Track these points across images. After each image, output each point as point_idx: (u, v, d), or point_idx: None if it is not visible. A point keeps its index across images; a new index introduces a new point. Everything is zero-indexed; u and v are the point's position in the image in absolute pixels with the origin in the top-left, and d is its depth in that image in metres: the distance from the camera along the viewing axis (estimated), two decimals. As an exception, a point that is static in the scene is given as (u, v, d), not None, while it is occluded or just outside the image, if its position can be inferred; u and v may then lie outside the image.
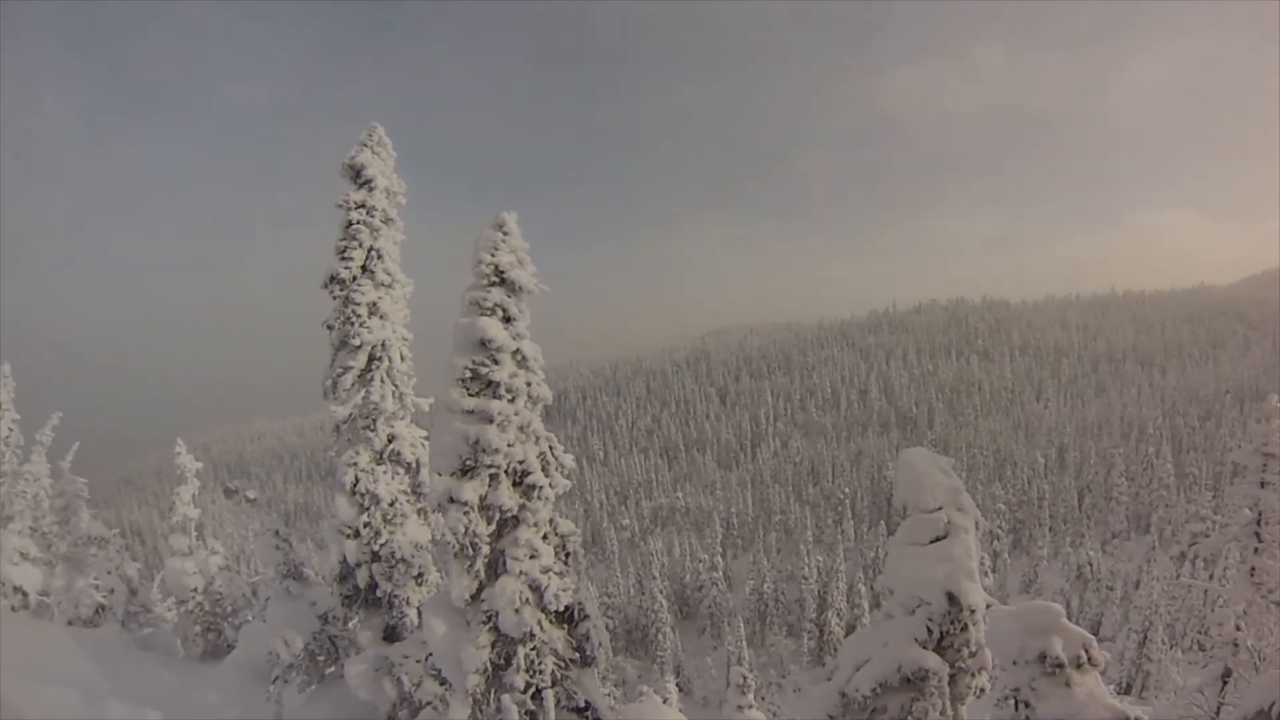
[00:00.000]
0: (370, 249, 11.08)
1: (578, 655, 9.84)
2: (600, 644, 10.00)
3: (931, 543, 10.04)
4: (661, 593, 66.44)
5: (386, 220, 11.38)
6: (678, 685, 50.01)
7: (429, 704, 11.63)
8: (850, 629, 63.32)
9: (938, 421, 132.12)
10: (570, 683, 9.86)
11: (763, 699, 47.66)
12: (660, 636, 63.93)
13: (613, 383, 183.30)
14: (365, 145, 11.80)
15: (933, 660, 9.77)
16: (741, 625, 59.58)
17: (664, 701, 18.22)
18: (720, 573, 77.95)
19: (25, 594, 16.03)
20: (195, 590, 16.47)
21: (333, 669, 13.21)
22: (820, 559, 73.07)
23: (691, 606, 79.93)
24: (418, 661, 11.60)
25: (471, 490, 8.21)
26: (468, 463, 8.28)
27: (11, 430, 17.22)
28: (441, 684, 11.86)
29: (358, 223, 11.04)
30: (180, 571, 16.36)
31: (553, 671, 9.66)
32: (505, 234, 8.97)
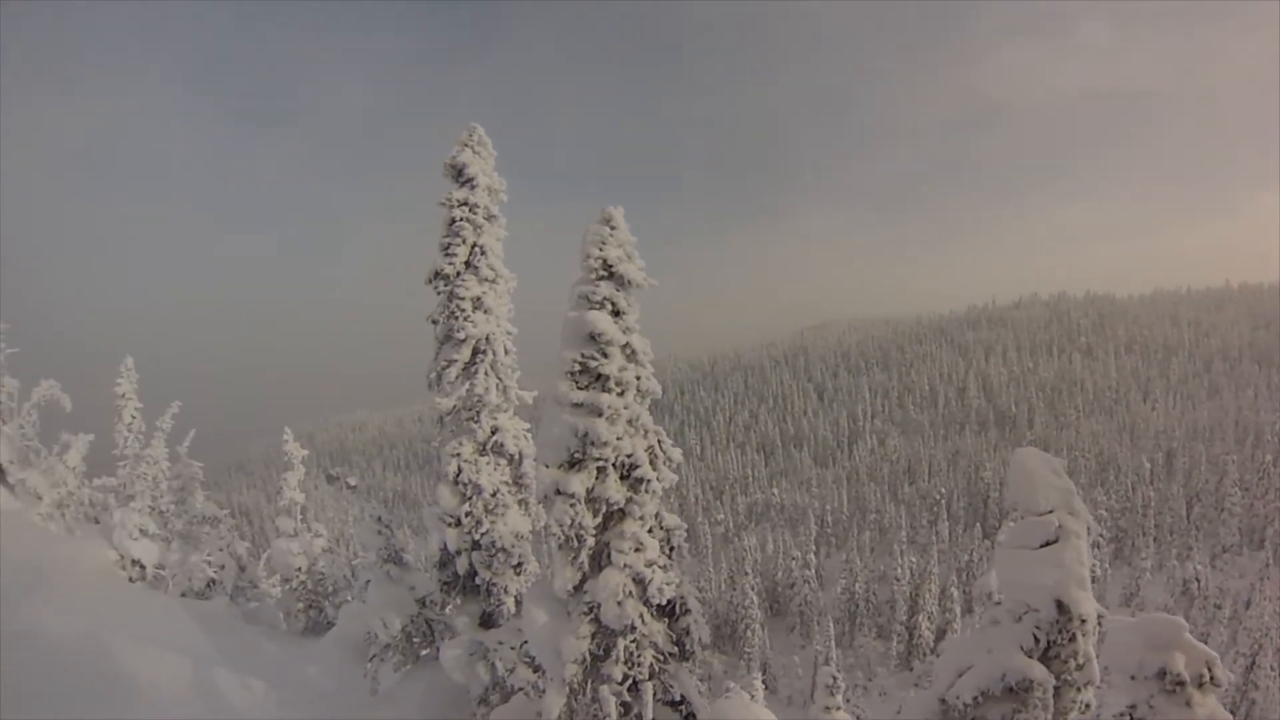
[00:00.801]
0: (474, 245, 11.38)
1: (676, 649, 9.88)
2: (699, 639, 10.03)
3: (1041, 547, 9.72)
4: (753, 589, 66.28)
5: (489, 217, 11.65)
6: (764, 683, 49.80)
7: (520, 690, 11.88)
8: (941, 634, 61.92)
9: (1038, 421, 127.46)
10: (667, 676, 9.92)
11: (848, 701, 47.14)
12: (749, 633, 63.74)
13: (711, 377, 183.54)
14: (466, 145, 12.09)
15: (1038, 671, 9.47)
16: (831, 625, 59.03)
17: (751, 699, 18.14)
18: (812, 571, 77.42)
19: (143, 566, 17.18)
20: (299, 570, 17.30)
21: (427, 651, 13.64)
22: (913, 560, 71.27)
23: (782, 604, 79.43)
24: (512, 648, 11.86)
25: (579, 483, 8.34)
26: (576, 455, 8.40)
27: (134, 417, 18.66)
28: (535, 671, 12.11)
29: (461, 220, 11.34)
30: (286, 552, 17.19)
31: (651, 664, 9.72)
32: (613, 228, 9.05)
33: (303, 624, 17.65)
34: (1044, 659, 9.65)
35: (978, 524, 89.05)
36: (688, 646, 9.88)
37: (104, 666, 12.14)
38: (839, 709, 16.48)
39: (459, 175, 11.69)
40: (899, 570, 67.95)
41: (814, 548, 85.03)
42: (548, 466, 8.43)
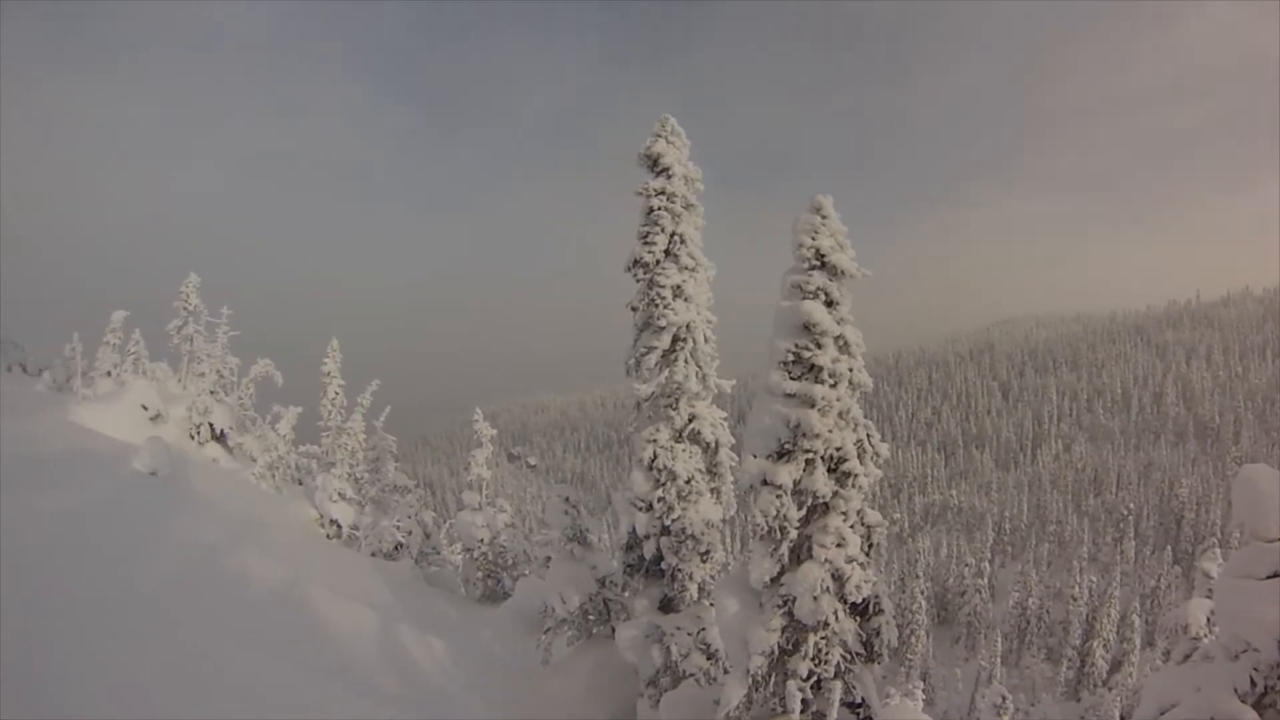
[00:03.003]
0: (672, 234, 11.51)
1: (864, 650, 9.60)
2: (888, 641, 9.72)
3: (1268, 578, 8.66)
4: (922, 593, 63.99)
5: (687, 205, 11.75)
6: (923, 693, 47.70)
7: (691, 676, 11.96)
8: (1116, 665, 57.15)
9: (1245, 435, 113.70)
10: (851, 677, 9.67)
11: (1008, 724, 44.39)
12: (913, 639, 61.60)
13: (895, 372, 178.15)
14: (659, 135, 12.20)
15: (1250, 717, 8.44)
16: (999, 640, 56.07)
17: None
18: (985, 580, 73.67)
19: (340, 526, 18.89)
20: (481, 541, 18.32)
21: (600, 629, 14.01)
22: (1093, 579, 66.36)
23: (950, 612, 76.07)
24: (689, 634, 11.95)
25: (786, 474, 8.25)
26: (786, 446, 8.32)
27: (338, 393, 20.71)
28: (709, 659, 12.17)
29: (659, 208, 11.48)
30: (470, 524, 18.25)
31: (838, 663, 9.49)
32: (824, 217, 8.87)
33: (480, 592, 18.63)
34: (1259, 705, 8.59)
35: (1168, 547, 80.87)
36: (876, 648, 9.57)
37: (303, 611, 13.06)
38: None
39: (654, 165, 11.84)
40: (1076, 589, 63.22)
41: (989, 556, 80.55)
42: (756, 456, 8.39)
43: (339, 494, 18.98)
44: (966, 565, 74.04)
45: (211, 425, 21.85)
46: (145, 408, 20.54)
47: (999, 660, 53.51)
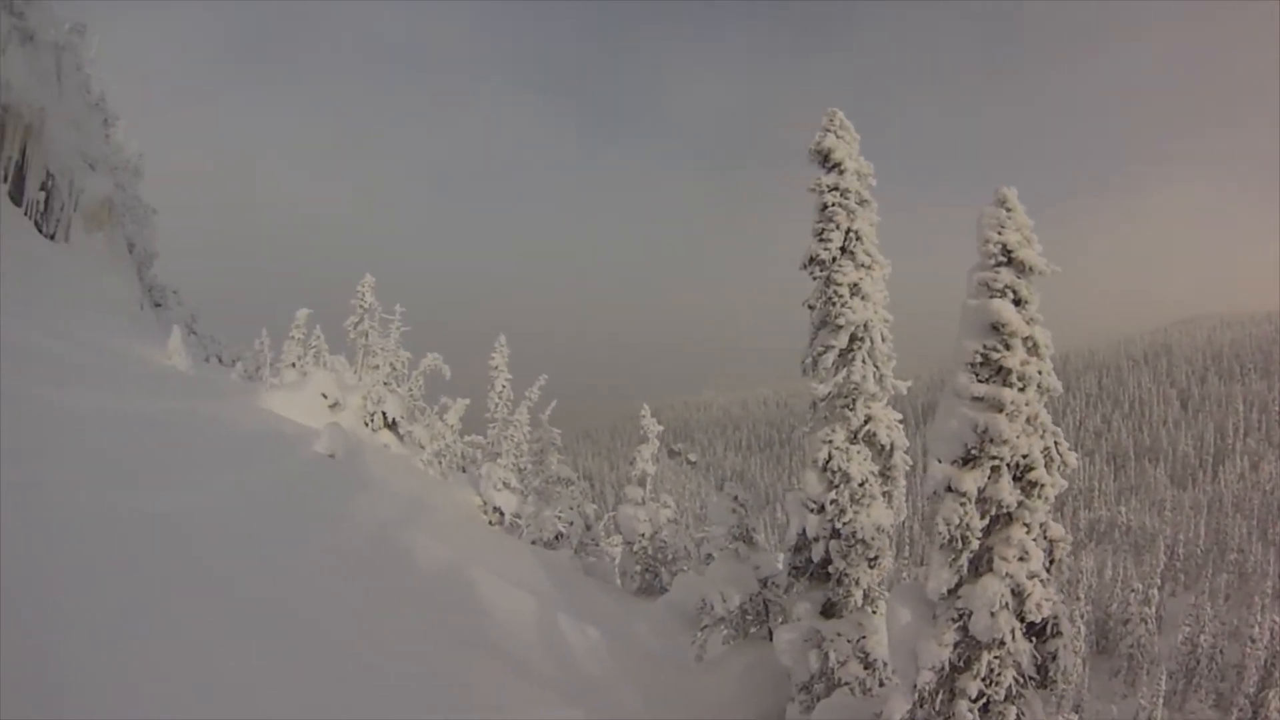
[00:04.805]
0: (848, 230, 11.30)
1: (1038, 674, 9.03)
2: (1064, 668, 9.09)
3: None
4: (1082, 618, 59.39)
5: (861, 201, 11.51)
6: None
7: (846, 684, 11.65)
8: None
9: None
10: (1023, 702, 9.12)
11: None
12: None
13: (1063, 375, 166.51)
14: (828, 130, 11.93)
15: None
16: (1163, 678, 50.77)
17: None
18: (1152, 610, 67.05)
19: (502, 513, 19.93)
20: (643, 535, 18.71)
21: (757, 630, 13.95)
22: (1277, 620, 58.84)
23: (1110, 641, 69.96)
24: (849, 641, 11.67)
25: (971, 481, 7.91)
26: (972, 451, 7.99)
27: (505, 387, 21.84)
28: (866, 668, 11.84)
29: (832, 205, 11.29)
30: (632, 517, 18.71)
31: (1010, 686, 8.99)
32: (1009, 210, 8.45)
33: (637, 585, 19.03)
34: None
35: (1370, 588, 70.77)
36: (1051, 673, 8.98)
37: (465, 591, 13.68)
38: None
39: (825, 160, 11.63)
40: (1257, 629, 56.18)
41: (1158, 583, 72.59)
42: (940, 461, 8.10)
43: (503, 483, 19.99)
44: (1133, 591, 67.35)
45: (384, 414, 23.51)
46: (325, 396, 22.38)
47: (1161, 701, 48.16)
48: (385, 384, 24.00)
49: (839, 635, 11.63)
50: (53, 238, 24.97)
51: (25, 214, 23.02)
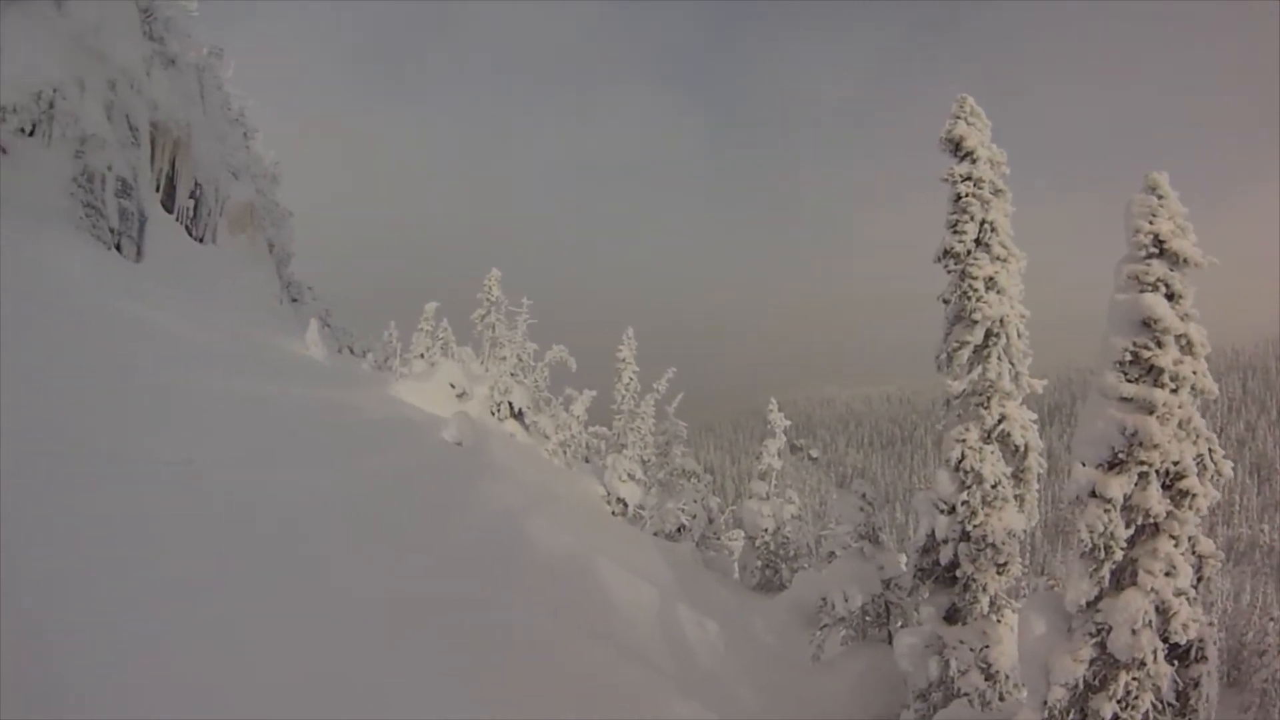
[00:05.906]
0: (983, 222, 10.85)
1: (1177, 702, 8.32)
2: (1206, 697, 8.35)
3: None
4: (1215, 644, 54.12)
5: (995, 191, 11.01)
6: None
7: (965, 695, 11.16)
8: None
9: None
10: (1159, 733, 8.44)
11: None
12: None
13: None
14: (959, 117, 11.44)
15: None
16: None
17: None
18: None
19: (626, 504, 20.33)
20: (766, 531, 18.72)
21: (875, 632, 13.65)
22: None
23: (1243, 673, 63.09)
24: (971, 649, 11.20)
25: (1117, 486, 7.44)
26: (1119, 455, 7.52)
27: (632, 379, 22.28)
28: (987, 679, 11.30)
29: (966, 195, 10.86)
30: (756, 512, 18.73)
31: (1147, 711, 8.33)
32: (1160, 197, 7.89)
33: (756, 580, 19.05)
34: None
35: None
36: (1192, 701, 8.26)
37: (587, 578, 14.05)
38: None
39: (957, 149, 11.19)
40: None
41: None
42: (1084, 464, 7.68)
43: (628, 474, 20.38)
44: (1271, 620, 59.90)
45: (510, 404, 24.27)
46: (453, 386, 23.21)
47: (1297, 743, 42.60)
48: (512, 374, 24.68)
49: (961, 643, 11.18)
50: (201, 240, 27.37)
51: (176, 219, 25.42)
